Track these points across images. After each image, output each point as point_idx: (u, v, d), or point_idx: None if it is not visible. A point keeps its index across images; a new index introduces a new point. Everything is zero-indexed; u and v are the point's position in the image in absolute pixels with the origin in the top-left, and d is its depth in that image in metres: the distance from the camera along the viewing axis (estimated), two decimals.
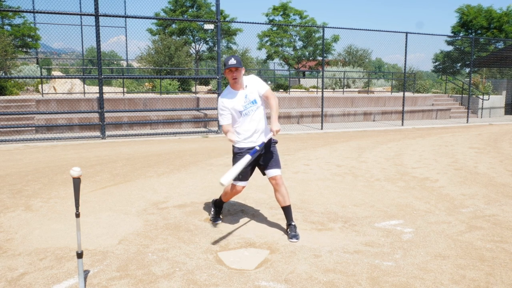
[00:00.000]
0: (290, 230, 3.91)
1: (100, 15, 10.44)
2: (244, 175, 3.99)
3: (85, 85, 16.08)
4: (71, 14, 11.57)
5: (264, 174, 4.05)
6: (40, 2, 22.25)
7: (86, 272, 3.14)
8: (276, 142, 4.08)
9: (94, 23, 10.30)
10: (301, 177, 6.36)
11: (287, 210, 3.98)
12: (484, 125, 15.83)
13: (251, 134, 3.92)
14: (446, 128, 14.61)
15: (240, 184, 4.03)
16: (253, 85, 3.98)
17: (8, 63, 15.81)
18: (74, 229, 3.98)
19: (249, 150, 3.91)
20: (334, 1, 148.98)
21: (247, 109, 3.91)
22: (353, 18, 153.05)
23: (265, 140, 3.94)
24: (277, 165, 3.96)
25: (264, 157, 3.97)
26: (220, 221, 4.34)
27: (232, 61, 3.81)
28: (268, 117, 4.03)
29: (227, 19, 29.85)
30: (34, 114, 11.05)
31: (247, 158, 3.71)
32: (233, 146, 4.03)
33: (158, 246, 3.68)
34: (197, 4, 29.21)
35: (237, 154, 3.99)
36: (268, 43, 31.89)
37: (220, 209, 4.40)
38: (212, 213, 4.39)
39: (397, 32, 14.54)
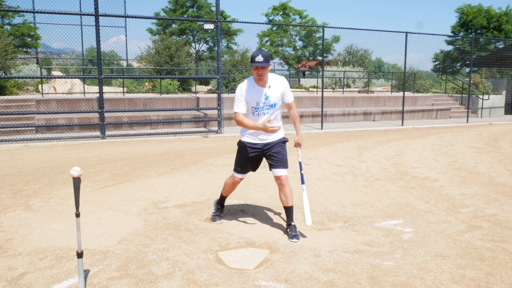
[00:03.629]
0: (290, 230, 3.91)
1: (100, 15, 10.44)
2: (243, 168, 4.05)
3: (85, 85, 16.06)
4: (71, 14, 11.59)
5: (271, 170, 4.05)
6: (40, 2, 22.23)
7: (86, 272, 3.14)
8: (286, 141, 4.04)
9: (94, 23, 10.30)
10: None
11: (289, 210, 3.98)
12: (484, 124, 15.83)
13: (256, 133, 3.90)
14: (446, 128, 14.61)
15: (238, 176, 4.10)
16: (278, 89, 3.85)
17: (8, 63, 15.80)
18: (74, 229, 3.98)
19: (253, 145, 3.93)
20: (334, 1, 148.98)
21: (262, 109, 3.84)
22: (353, 18, 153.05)
23: (276, 139, 3.93)
24: (283, 165, 3.92)
25: (272, 156, 3.93)
26: (220, 221, 4.34)
27: (259, 58, 3.63)
28: (285, 116, 4.03)
29: (228, 19, 29.85)
30: (34, 114, 11.05)
31: (305, 197, 3.92)
32: (239, 140, 4.05)
33: (158, 246, 3.68)
34: (197, 4, 29.22)
35: (241, 148, 4.01)
36: (268, 43, 31.89)
37: (222, 207, 4.43)
38: (213, 211, 4.41)
39: (397, 32, 14.55)
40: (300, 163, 4.08)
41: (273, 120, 3.89)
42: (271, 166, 3.96)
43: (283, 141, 3.99)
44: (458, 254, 3.56)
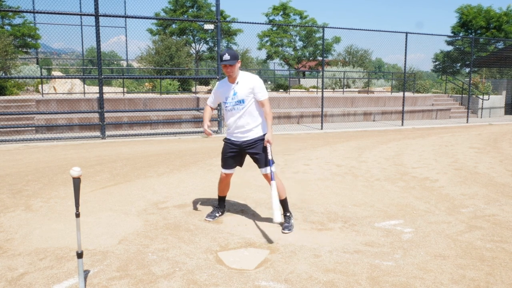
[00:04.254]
0: (284, 221, 4.03)
1: (100, 15, 10.44)
2: (225, 163, 4.20)
3: (85, 85, 16.07)
4: (71, 14, 11.57)
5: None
6: (40, 2, 22.26)
7: (86, 272, 3.14)
8: (263, 140, 4.07)
9: (94, 23, 10.30)
10: (301, 177, 6.36)
11: (282, 203, 4.09)
12: (484, 125, 15.83)
13: (233, 130, 4.08)
14: (446, 128, 14.61)
15: (222, 170, 4.25)
16: (246, 85, 3.97)
17: (8, 63, 15.81)
18: (74, 229, 3.98)
19: (232, 142, 4.09)
20: (334, 1, 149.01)
21: (232, 105, 4.00)
22: (353, 18, 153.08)
23: (253, 138, 4.03)
24: (265, 164, 4.05)
25: (254, 156, 4.09)
26: (216, 218, 4.36)
27: (226, 57, 3.83)
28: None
29: (228, 19, 29.85)
30: (34, 114, 11.05)
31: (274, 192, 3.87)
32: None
33: (158, 246, 3.68)
34: (197, 4, 29.21)
35: (224, 145, 4.22)
36: (268, 43, 31.90)
37: (221, 208, 4.49)
38: (212, 210, 4.48)
39: (397, 32, 14.55)
40: (270, 161, 3.99)
41: (245, 116, 3.99)
42: (257, 166, 4.13)
43: (262, 139, 4.06)
44: (458, 254, 3.56)
